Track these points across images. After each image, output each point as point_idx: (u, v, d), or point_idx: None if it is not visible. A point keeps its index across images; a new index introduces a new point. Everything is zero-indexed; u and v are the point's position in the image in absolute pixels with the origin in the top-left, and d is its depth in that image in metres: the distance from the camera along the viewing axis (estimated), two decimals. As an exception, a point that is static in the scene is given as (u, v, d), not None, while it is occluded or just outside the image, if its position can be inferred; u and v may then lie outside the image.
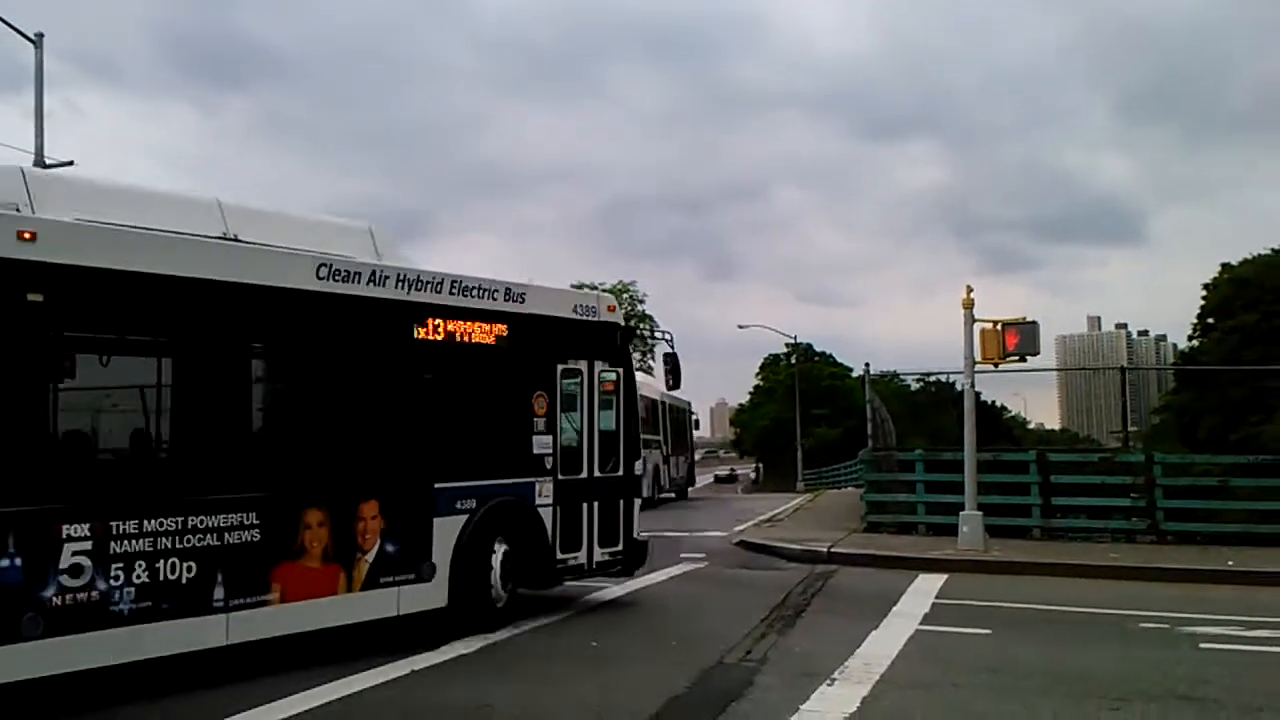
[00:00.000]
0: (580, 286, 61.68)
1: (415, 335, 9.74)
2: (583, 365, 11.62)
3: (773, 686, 7.82)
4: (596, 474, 11.64)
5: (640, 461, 13.28)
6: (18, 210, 7.46)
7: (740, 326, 71.80)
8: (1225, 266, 51.84)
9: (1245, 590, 13.10)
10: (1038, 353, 16.13)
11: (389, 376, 9.61)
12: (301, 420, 9.17)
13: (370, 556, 9.15)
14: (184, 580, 7.80)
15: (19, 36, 23.05)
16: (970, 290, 15.95)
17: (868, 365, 22.27)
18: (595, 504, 11.54)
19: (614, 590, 12.64)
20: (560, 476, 11.11)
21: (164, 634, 7.67)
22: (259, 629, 8.26)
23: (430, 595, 9.65)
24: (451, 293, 10.12)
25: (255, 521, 8.27)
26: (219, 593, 8.01)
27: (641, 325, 61.88)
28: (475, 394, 10.42)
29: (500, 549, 10.38)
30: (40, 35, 23.76)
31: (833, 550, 16.00)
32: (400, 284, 9.65)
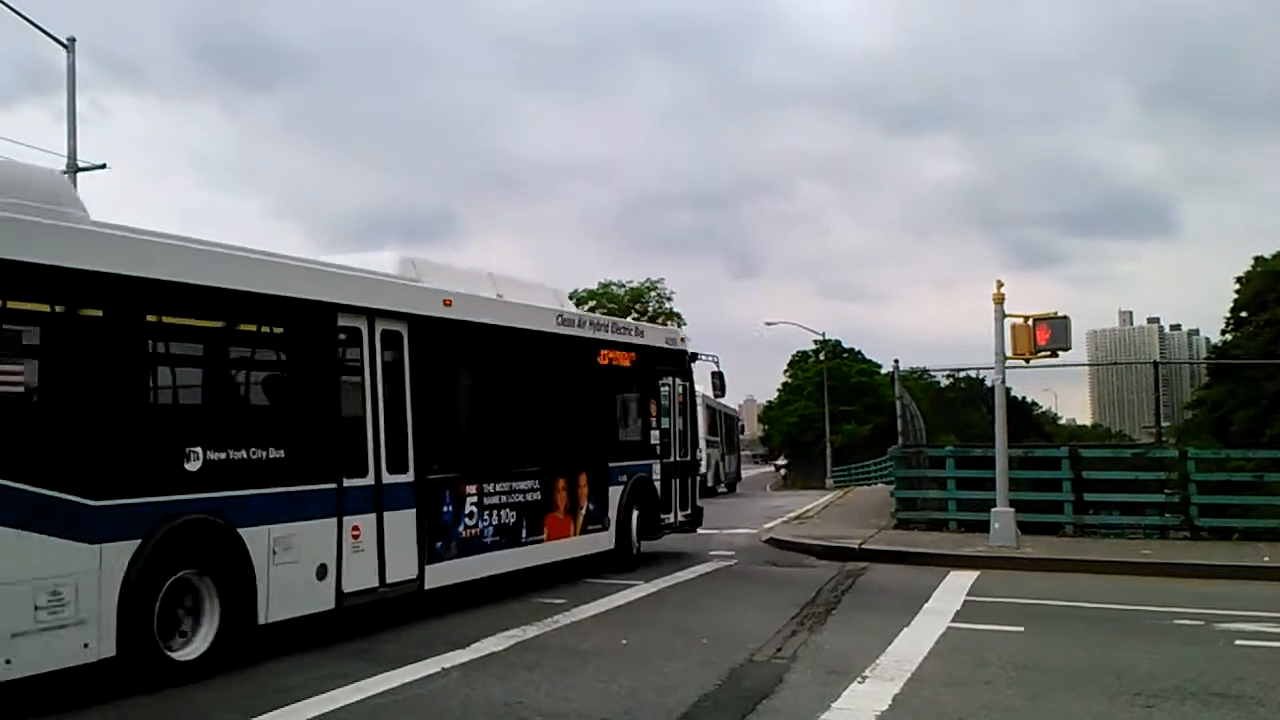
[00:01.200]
0: (606, 285, 62.22)
1: (597, 360, 14.21)
2: (669, 380, 16.12)
3: (804, 684, 7.80)
4: (677, 458, 16.09)
5: (700, 450, 18.40)
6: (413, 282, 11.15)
7: (768, 323, 71.93)
8: (1258, 259, 51.23)
9: (1282, 587, 12.97)
10: (1069, 348, 15.98)
11: (586, 387, 14.00)
12: (550, 418, 13.21)
13: (583, 512, 13.49)
14: (510, 523, 11.93)
15: (45, 39, 23.21)
16: (1001, 285, 15.84)
17: (896, 362, 22.20)
18: (677, 480, 16.06)
19: (644, 587, 12.67)
20: (663, 460, 15.57)
21: (501, 558, 11.77)
22: (537, 558, 12.44)
23: (607, 540, 13.99)
24: (610, 331, 14.81)
25: (536, 486, 12.44)
26: (523, 532, 12.16)
27: (669, 322, 61.98)
28: (623, 399, 15.14)
29: (635, 511, 14.72)
30: (72, 40, 23.91)
31: (863, 547, 15.95)
32: (589, 326, 14.32)
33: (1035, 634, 9.90)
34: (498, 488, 11.74)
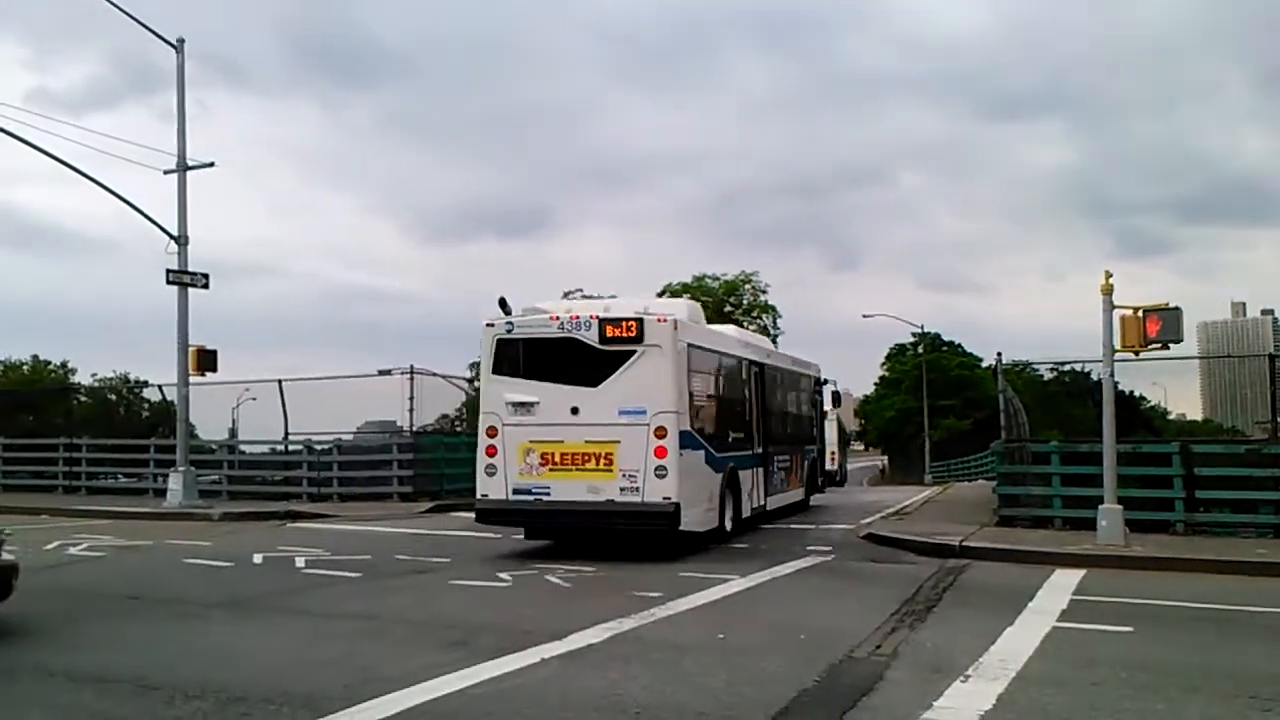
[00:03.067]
0: (700, 279, 62.24)
1: (799, 382, 23.99)
2: (815, 394, 25.69)
3: (904, 682, 7.69)
4: (819, 445, 25.83)
5: (824, 441, 28.28)
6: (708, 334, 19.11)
7: (865, 316, 71.06)
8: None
9: None
10: (1181, 340, 15.39)
11: (796, 398, 23.47)
12: (789, 416, 22.56)
13: (797, 475, 22.60)
14: (783, 478, 21.12)
15: (150, 38, 23.84)
16: (1109, 275, 15.34)
17: (999, 354, 21.68)
18: (819, 458, 25.65)
19: (740, 582, 12.63)
20: (816, 445, 25.25)
21: (781, 498, 20.81)
22: (786, 500, 21.40)
23: (801, 495, 23.14)
24: (799, 365, 24.48)
25: (789, 459, 21.80)
26: (785, 484, 21.28)
27: (764, 316, 61.71)
28: (805, 406, 24.45)
29: (808, 476, 24.00)
30: (181, 40, 24.65)
31: (964, 544, 15.64)
32: (795, 363, 24.23)
33: (1145, 634, 9.62)
34: (779, 458, 20.79)
